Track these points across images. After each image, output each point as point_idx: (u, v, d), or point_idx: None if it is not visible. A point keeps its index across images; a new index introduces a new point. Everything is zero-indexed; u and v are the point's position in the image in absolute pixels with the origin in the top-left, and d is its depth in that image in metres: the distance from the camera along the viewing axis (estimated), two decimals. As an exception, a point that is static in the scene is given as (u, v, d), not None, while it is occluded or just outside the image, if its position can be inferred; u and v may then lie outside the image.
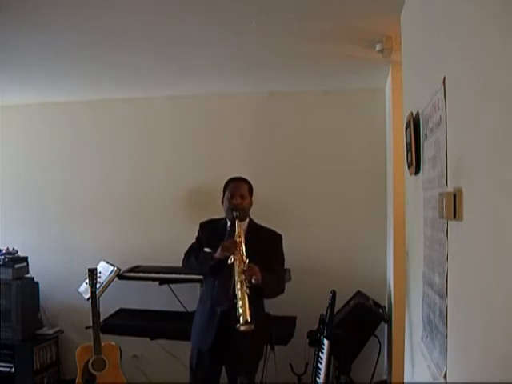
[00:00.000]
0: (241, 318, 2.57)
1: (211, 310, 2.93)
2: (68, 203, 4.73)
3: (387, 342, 3.77)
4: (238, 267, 2.72)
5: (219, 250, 2.82)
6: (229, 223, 3.01)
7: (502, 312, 1.02)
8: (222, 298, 2.87)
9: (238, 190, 2.97)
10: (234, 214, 2.88)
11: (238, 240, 2.80)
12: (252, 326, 2.57)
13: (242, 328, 2.57)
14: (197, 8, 2.56)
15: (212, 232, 3.03)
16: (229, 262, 2.75)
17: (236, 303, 2.64)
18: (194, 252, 3.03)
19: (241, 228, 2.86)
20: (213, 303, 2.92)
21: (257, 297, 2.81)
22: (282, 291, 3.00)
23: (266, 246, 2.93)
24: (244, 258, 2.75)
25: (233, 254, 2.76)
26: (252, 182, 3.05)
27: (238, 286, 2.66)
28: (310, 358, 3.65)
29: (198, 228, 3.14)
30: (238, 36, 3.01)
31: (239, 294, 2.64)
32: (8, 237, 4.59)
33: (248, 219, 3.02)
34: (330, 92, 4.33)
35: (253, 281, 2.70)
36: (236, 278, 2.70)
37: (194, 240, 3.13)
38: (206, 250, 2.99)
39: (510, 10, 0.98)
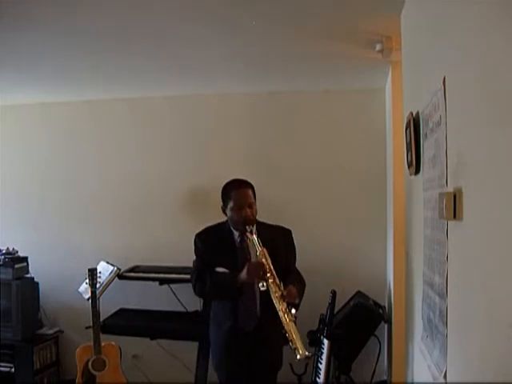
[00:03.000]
0: (296, 352, 2.43)
1: (232, 330, 2.72)
2: (68, 203, 4.72)
3: (387, 342, 3.77)
4: (275, 293, 2.49)
5: (245, 274, 2.54)
6: (236, 234, 2.74)
7: (502, 312, 1.02)
8: (247, 319, 2.70)
9: (245, 199, 2.66)
10: (248, 229, 2.59)
11: (264, 261, 2.54)
12: (309, 354, 2.49)
13: (300, 357, 2.45)
14: (196, 8, 2.55)
15: (217, 243, 2.74)
16: (261, 288, 2.52)
17: (284, 331, 2.48)
18: (204, 274, 2.70)
19: (262, 248, 2.58)
20: (236, 323, 2.70)
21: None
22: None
23: (279, 244, 2.72)
24: (277, 281, 2.51)
25: (263, 279, 2.51)
26: (251, 183, 2.94)
27: (281, 314, 2.45)
28: (309, 358, 3.64)
29: (195, 238, 2.79)
30: (238, 36, 3.01)
31: (286, 324, 2.45)
32: (8, 237, 4.59)
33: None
34: (330, 92, 4.33)
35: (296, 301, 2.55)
36: (277, 307, 2.47)
37: (193, 257, 2.84)
38: (219, 269, 2.69)
39: (510, 10, 0.98)
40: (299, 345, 2.43)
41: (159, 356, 4.31)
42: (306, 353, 2.44)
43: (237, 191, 2.69)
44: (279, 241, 2.75)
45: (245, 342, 2.70)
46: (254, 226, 2.64)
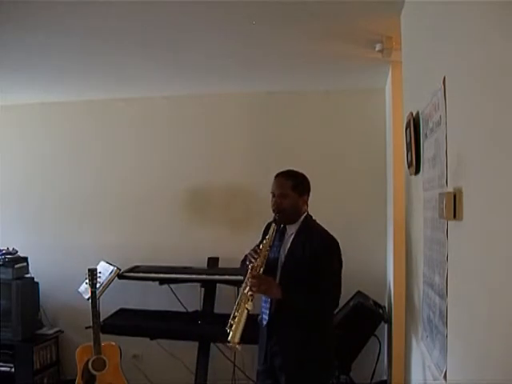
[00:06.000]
0: (229, 336, 2.36)
1: (261, 324, 2.61)
2: (68, 203, 4.72)
3: (387, 342, 3.77)
4: (250, 273, 2.42)
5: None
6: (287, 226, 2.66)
7: (502, 312, 1.02)
8: (264, 310, 2.57)
9: (275, 188, 2.60)
10: (274, 217, 2.56)
11: (260, 247, 2.51)
12: (239, 348, 2.36)
13: (230, 345, 2.39)
14: (196, 8, 2.55)
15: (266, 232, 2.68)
16: (248, 266, 2.48)
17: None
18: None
19: (270, 237, 2.52)
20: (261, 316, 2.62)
21: (311, 333, 2.48)
22: (328, 307, 2.64)
23: (305, 250, 2.53)
24: (261, 265, 2.45)
25: (254, 259, 2.47)
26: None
27: (242, 295, 2.41)
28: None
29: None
30: (238, 36, 3.01)
31: (238, 305, 2.39)
32: (8, 237, 4.58)
33: (302, 218, 2.62)
34: (331, 92, 4.33)
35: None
36: (243, 285, 2.44)
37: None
38: None
39: (510, 10, 0.98)
40: (236, 333, 2.36)
41: (159, 356, 4.30)
42: (237, 346, 2.36)
43: (274, 180, 2.65)
44: (307, 250, 2.54)
45: (264, 335, 2.58)
46: (299, 222, 2.60)
